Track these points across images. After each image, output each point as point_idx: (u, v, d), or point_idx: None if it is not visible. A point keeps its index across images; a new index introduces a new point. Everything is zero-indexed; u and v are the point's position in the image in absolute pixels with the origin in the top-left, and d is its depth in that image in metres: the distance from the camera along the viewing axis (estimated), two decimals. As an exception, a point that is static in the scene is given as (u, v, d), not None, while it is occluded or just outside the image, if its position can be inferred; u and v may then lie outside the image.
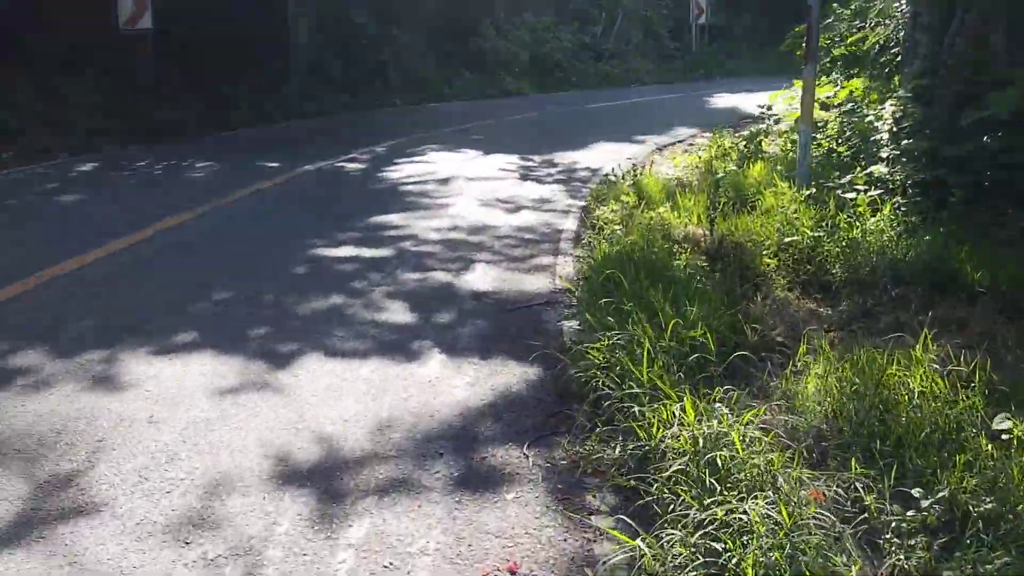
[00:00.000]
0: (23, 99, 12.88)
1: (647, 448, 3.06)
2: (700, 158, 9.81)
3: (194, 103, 14.42)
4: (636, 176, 8.19)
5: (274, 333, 4.75)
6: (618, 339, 3.81)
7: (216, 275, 5.89)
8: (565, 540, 2.79)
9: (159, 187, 9.62)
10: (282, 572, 2.61)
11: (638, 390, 3.33)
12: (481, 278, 5.85)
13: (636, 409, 3.18)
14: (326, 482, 3.17)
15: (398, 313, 5.14)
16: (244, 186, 9.09)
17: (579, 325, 4.66)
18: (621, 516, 2.80)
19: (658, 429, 3.07)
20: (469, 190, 9.13)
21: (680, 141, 13.25)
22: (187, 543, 2.76)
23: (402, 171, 10.44)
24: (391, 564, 2.66)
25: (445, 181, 9.68)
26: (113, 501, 3.01)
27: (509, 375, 4.18)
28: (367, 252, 6.53)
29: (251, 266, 6.15)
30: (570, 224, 7.50)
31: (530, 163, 11.04)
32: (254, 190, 8.99)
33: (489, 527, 2.87)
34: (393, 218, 7.72)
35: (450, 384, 4.08)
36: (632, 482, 2.97)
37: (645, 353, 3.46)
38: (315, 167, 10.44)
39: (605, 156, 11.19)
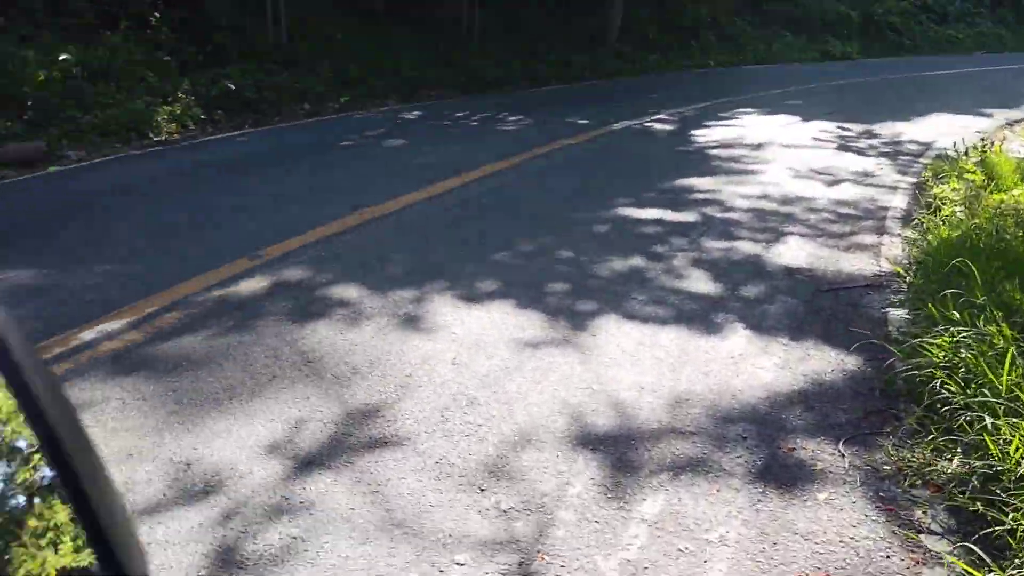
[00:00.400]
0: (363, 49, 14.01)
1: (1000, 468, 2.59)
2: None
3: (511, 59, 14.90)
4: (983, 153, 7.19)
5: (573, 289, 4.70)
6: (965, 336, 3.29)
7: (520, 227, 5.97)
8: (888, 557, 2.44)
9: (474, 138, 10.02)
10: (573, 536, 2.52)
11: (992, 399, 2.83)
12: (793, 252, 5.42)
13: (989, 421, 2.71)
14: (620, 450, 3.04)
15: (700, 282, 4.88)
16: (552, 141, 9.19)
17: (909, 315, 4.14)
18: (965, 543, 2.39)
19: (1017, 448, 2.58)
20: (782, 157, 8.57)
21: (1037, 116, 11.56)
22: (482, 490, 2.76)
23: (711, 134, 10.05)
24: (686, 549, 2.47)
25: (757, 147, 9.16)
26: (416, 437, 3.09)
27: (822, 361, 3.80)
28: (671, 215, 6.31)
29: (554, 220, 6.17)
30: (898, 201, 6.76)
31: (851, 132, 10.17)
32: (562, 146, 9.06)
33: (797, 527, 2.58)
34: (700, 182, 7.41)
35: (755, 363, 3.78)
36: (978, 505, 2.53)
37: (1009, 358, 2.93)
38: (623, 126, 10.34)
39: (940, 129, 10.04)
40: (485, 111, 11.56)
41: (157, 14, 11.68)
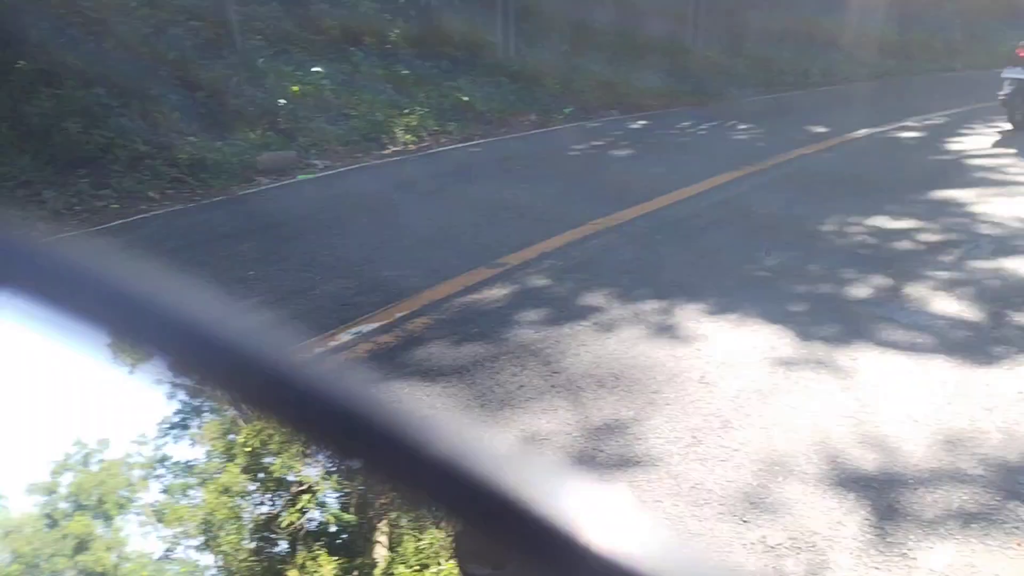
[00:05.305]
0: (587, 62, 14.10)
1: None
2: None
3: (738, 67, 14.46)
4: None
5: (825, 309, 4.40)
6: None
7: (761, 239, 5.70)
8: None
9: (703, 148, 9.76)
10: (851, 583, 2.31)
11: None
12: (1081, 276, 4.81)
13: None
14: (894, 489, 2.77)
15: (971, 306, 4.43)
16: (788, 151, 8.77)
17: None
18: None
19: None
20: (1055, 169, 7.69)
21: None
22: (744, 521, 2.60)
23: (965, 143, 9.21)
24: (986, 610, 2.20)
25: (1022, 156, 8.28)
26: (668, 458, 2.98)
27: None
28: (928, 232, 5.80)
29: (797, 234, 5.84)
30: None
31: None
32: (799, 155, 8.63)
33: (1124, 599, 2.23)
34: (958, 195, 6.78)
35: (1047, 401, 3.35)
36: None
37: None
38: (865, 134, 9.71)
39: None
40: (712, 120, 11.25)
41: (396, 30, 12.31)
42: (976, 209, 6.35)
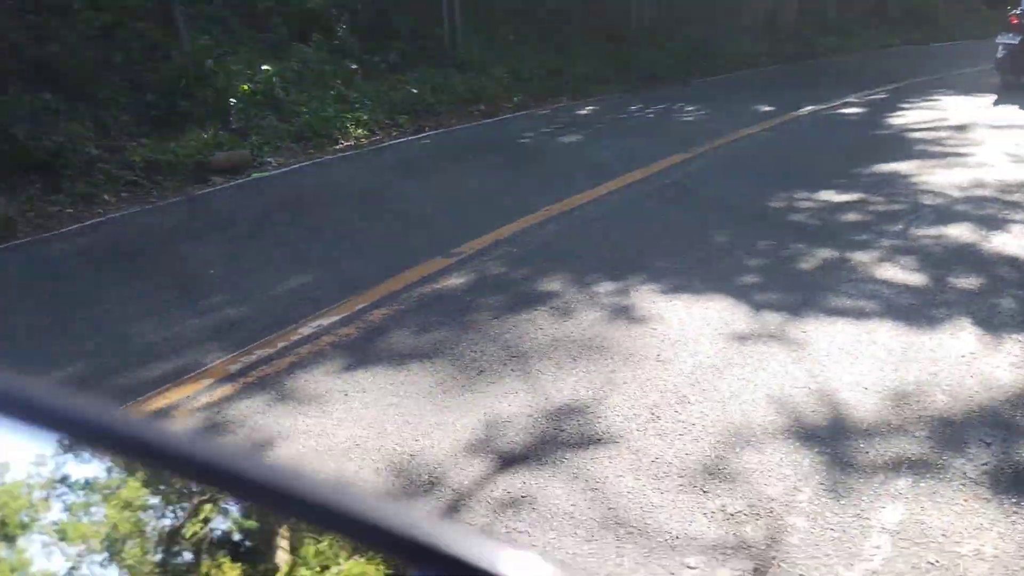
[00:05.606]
0: (532, 51, 14.13)
1: None
2: None
3: (684, 50, 14.60)
4: None
5: (775, 282, 4.51)
6: None
7: (713, 218, 5.80)
8: None
9: (652, 130, 9.86)
10: (809, 544, 2.39)
11: None
12: (1019, 242, 4.98)
13: None
14: (847, 453, 2.86)
15: (915, 274, 4.56)
16: (735, 130, 8.91)
17: None
18: None
19: None
20: (991, 140, 7.92)
21: None
22: (704, 491, 2.67)
23: (906, 117, 9.44)
24: (936, 562, 2.29)
25: (961, 128, 8.53)
26: (628, 434, 3.04)
27: (1069, 360, 3.45)
28: (873, 203, 5.95)
29: (747, 211, 5.95)
30: None
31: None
32: (746, 134, 8.77)
33: (1064, 544, 2.34)
34: (901, 167, 6.96)
35: (989, 363, 3.48)
36: None
37: None
38: (808, 111, 9.89)
39: None
40: (660, 103, 11.36)
41: (344, 26, 12.22)
42: (918, 180, 6.52)
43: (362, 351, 3.84)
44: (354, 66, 11.69)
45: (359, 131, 10.28)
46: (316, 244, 5.63)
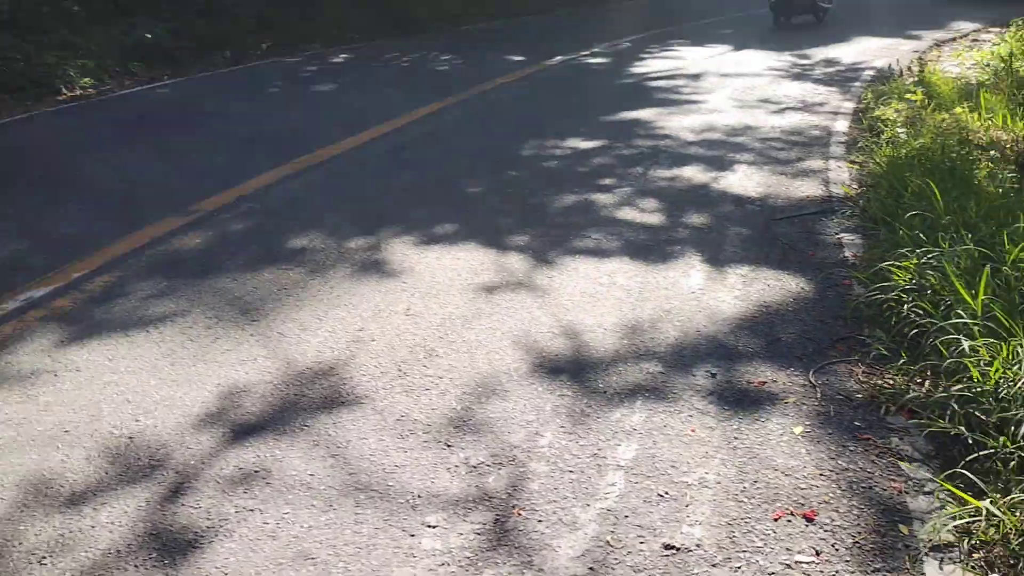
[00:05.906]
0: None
1: (979, 391, 2.54)
2: (993, 54, 8.49)
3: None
4: (921, 73, 7.18)
5: (525, 229, 4.55)
6: (931, 258, 3.23)
7: (466, 167, 5.77)
8: (871, 488, 2.38)
9: (406, 80, 9.69)
10: (548, 488, 2.41)
11: (968, 320, 2.78)
12: (743, 181, 5.34)
13: (966, 344, 2.65)
14: (588, 396, 2.92)
15: (653, 215, 4.77)
16: (488, 80, 8.94)
17: (864, 239, 4.09)
18: (958, 470, 2.32)
19: (997, 370, 2.53)
20: (722, 87, 8.47)
21: (963, 36, 11.67)
22: (448, 446, 2.62)
23: (648, 66, 9.90)
24: (666, 494, 2.38)
25: (696, 77, 9.05)
26: (374, 394, 2.94)
27: (783, 291, 3.73)
28: (617, 149, 6.17)
29: (500, 160, 5.98)
30: (841, 126, 6.72)
31: (787, 60, 10.11)
32: (498, 84, 8.82)
33: (776, 463, 2.51)
34: (642, 114, 7.28)
35: (715, 296, 3.69)
36: (961, 428, 2.48)
37: (984, 277, 2.86)
38: (557, 61, 10.12)
39: (874, 52, 10.06)
40: (415, 52, 11.19)
41: (61, -40, 10.96)
42: (657, 126, 6.84)
43: (77, 325, 3.45)
44: (75, 7, 10.54)
45: (86, 80, 9.33)
46: (31, 208, 5.03)
